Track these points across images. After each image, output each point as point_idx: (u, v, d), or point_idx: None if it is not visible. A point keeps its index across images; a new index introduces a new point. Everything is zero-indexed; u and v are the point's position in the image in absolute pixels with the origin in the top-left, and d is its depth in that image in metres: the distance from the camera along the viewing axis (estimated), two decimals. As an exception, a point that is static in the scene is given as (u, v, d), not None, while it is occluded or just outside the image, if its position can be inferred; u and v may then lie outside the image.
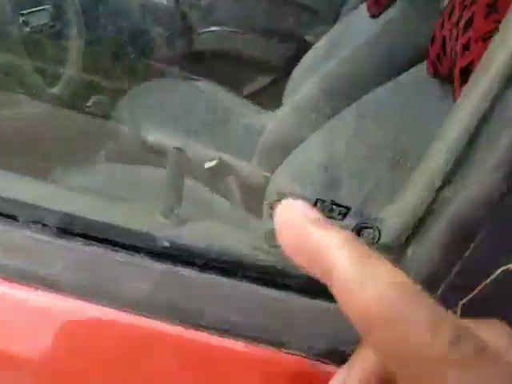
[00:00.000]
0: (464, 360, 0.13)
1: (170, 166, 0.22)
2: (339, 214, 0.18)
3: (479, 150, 0.16)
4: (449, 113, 0.19)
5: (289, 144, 0.97)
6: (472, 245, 0.16)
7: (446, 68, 0.54)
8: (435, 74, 0.60)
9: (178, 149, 0.22)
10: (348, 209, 0.18)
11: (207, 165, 1.01)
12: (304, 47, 1.46)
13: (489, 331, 0.15)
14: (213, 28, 1.53)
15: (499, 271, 0.17)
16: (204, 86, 1.40)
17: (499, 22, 0.39)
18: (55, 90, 0.71)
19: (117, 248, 0.19)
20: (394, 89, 0.72)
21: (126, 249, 0.19)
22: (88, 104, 0.94)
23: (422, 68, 0.68)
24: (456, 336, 0.13)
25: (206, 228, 0.21)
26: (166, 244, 0.19)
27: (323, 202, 0.18)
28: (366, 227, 0.18)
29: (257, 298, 0.17)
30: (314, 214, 0.16)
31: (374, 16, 1.00)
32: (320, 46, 1.30)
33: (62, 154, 0.63)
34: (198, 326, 0.17)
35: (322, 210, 0.18)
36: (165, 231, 0.19)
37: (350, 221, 0.18)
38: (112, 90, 1.10)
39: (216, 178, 1.02)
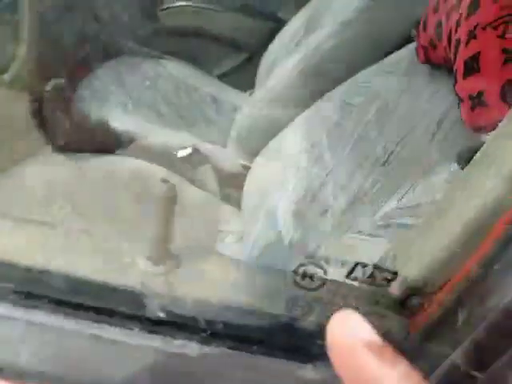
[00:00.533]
0: None
1: (159, 204, 0.18)
2: (384, 279, 0.15)
3: None
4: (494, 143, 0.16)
5: (267, 130, 0.93)
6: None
7: (441, 55, 0.51)
8: (426, 61, 0.57)
9: (166, 181, 0.18)
10: (395, 274, 0.14)
11: (180, 153, 0.95)
12: (277, 24, 1.42)
13: None
14: (178, 3, 1.46)
15: None
16: (171, 64, 1.33)
17: (510, 8, 0.36)
18: (7, 77, 0.64)
19: (92, 317, 0.14)
20: (382, 73, 0.69)
21: (101, 316, 0.14)
22: (47, 89, 0.87)
23: (412, 50, 0.65)
24: None
25: (208, 276, 0.17)
26: (161, 315, 0.15)
27: (364, 266, 0.14)
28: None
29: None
30: (371, 334, 0.14)
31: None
32: (295, 23, 1.25)
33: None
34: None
35: (363, 276, 0.15)
36: (156, 290, 0.15)
37: (397, 287, 0.15)
38: (72, 71, 1.02)
39: (191, 167, 0.97)
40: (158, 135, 1.08)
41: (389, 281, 0.15)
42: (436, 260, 0.14)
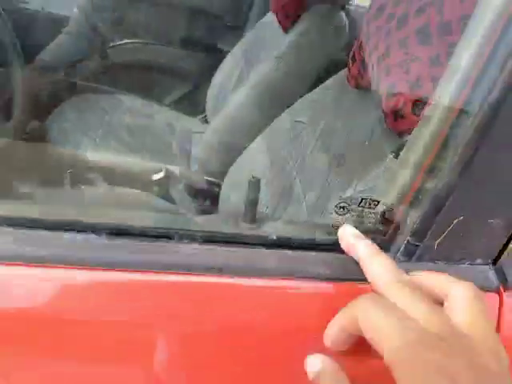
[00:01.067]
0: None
1: (250, 190, 0.34)
2: (374, 204, 0.32)
3: (447, 160, 0.31)
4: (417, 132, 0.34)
5: (229, 152, 1.09)
6: (442, 210, 0.32)
7: (367, 82, 0.72)
8: (356, 86, 0.77)
9: (255, 178, 0.34)
10: (378, 202, 0.32)
11: (155, 177, 1.09)
12: (217, 54, 1.58)
13: (431, 280, 0.30)
14: (125, 40, 1.57)
15: (455, 222, 0.33)
16: (126, 98, 1.44)
17: (409, 54, 0.57)
18: (11, 124, 0.75)
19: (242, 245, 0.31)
20: (320, 97, 0.89)
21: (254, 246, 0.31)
22: (27, 131, 0.97)
23: (342, 77, 0.85)
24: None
25: (283, 223, 0.34)
26: (274, 237, 0.31)
27: (365, 198, 0.32)
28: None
29: (329, 261, 0.31)
30: (358, 232, 0.32)
31: (286, 30, 1.16)
32: (236, 55, 1.42)
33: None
34: (309, 279, 0.31)
35: (365, 204, 0.32)
36: (268, 230, 0.32)
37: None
38: (43, 112, 1.12)
39: (165, 188, 1.10)
40: (129, 163, 1.20)
41: (376, 204, 0.32)
42: (399, 190, 0.32)
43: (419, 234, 0.32)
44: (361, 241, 0.31)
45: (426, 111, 0.35)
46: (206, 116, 1.47)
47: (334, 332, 0.29)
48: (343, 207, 0.32)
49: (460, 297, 0.28)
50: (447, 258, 0.33)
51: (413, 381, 0.24)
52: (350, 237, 0.31)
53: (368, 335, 0.26)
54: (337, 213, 0.32)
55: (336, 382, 0.28)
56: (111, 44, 1.55)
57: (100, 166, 1.12)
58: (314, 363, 0.29)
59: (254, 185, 0.34)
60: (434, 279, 0.30)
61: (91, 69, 1.50)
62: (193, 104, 1.57)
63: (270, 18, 1.31)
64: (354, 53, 0.75)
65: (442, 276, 0.30)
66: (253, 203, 0.34)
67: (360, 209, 0.32)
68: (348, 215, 0.32)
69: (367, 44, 0.69)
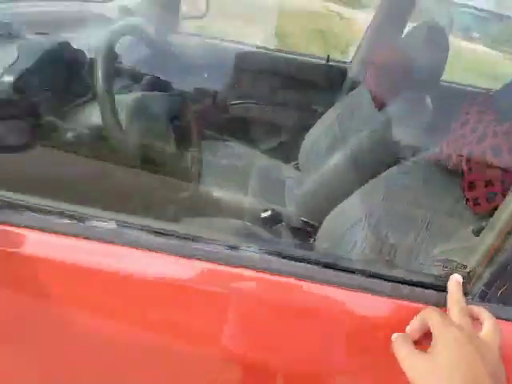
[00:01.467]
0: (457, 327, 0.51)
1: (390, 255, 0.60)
2: (464, 267, 0.57)
3: None
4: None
5: (325, 200, 1.35)
6: (506, 271, 0.57)
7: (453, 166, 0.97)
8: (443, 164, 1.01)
9: (394, 246, 0.60)
10: (464, 265, 0.57)
11: (263, 214, 1.37)
12: (311, 113, 1.86)
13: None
14: (239, 101, 1.91)
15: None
16: (236, 145, 1.75)
17: (486, 161, 0.82)
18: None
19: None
20: (410, 169, 1.13)
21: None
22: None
23: (423, 159, 1.10)
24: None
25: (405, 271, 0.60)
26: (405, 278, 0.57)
27: (459, 263, 0.57)
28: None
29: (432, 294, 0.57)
30: (459, 280, 0.57)
31: (379, 108, 1.42)
32: (330, 117, 1.68)
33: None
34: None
35: (456, 265, 0.57)
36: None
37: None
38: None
39: (270, 224, 1.38)
40: (242, 201, 1.50)
41: (465, 267, 0.57)
42: (477, 256, 0.57)
43: (489, 285, 0.57)
44: (455, 286, 0.56)
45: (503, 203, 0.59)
46: (297, 164, 1.75)
47: (414, 322, 0.54)
48: (442, 265, 0.58)
49: (488, 325, 0.52)
50: (505, 302, 0.58)
51: (446, 354, 0.48)
52: (452, 281, 0.56)
53: (430, 324, 0.52)
54: (438, 266, 0.58)
55: (405, 340, 0.53)
56: (230, 103, 1.90)
57: (223, 202, 1.42)
58: (396, 333, 0.54)
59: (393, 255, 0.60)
60: (482, 313, 0.54)
61: (216, 121, 1.85)
62: (286, 152, 1.86)
63: (363, 90, 1.58)
64: (445, 143, 1.00)
65: (486, 312, 0.54)
66: (390, 258, 0.60)
67: (454, 265, 0.57)
68: (447, 269, 0.58)
69: (452, 145, 0.95)
